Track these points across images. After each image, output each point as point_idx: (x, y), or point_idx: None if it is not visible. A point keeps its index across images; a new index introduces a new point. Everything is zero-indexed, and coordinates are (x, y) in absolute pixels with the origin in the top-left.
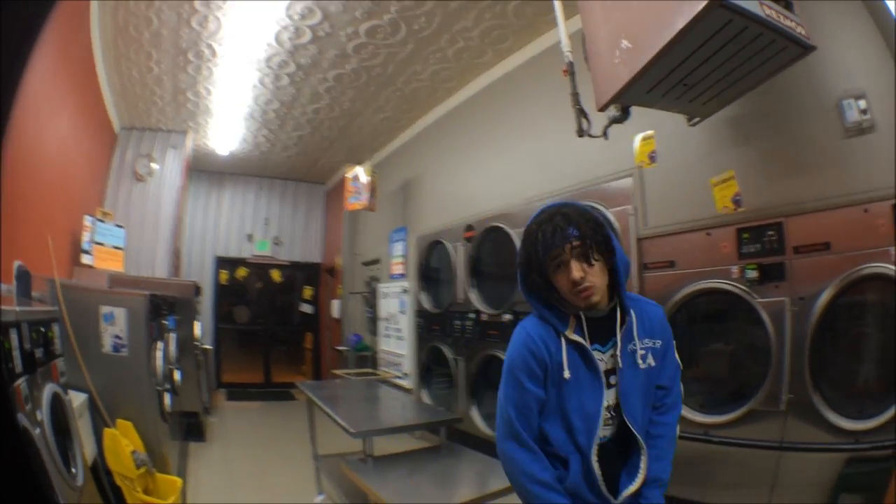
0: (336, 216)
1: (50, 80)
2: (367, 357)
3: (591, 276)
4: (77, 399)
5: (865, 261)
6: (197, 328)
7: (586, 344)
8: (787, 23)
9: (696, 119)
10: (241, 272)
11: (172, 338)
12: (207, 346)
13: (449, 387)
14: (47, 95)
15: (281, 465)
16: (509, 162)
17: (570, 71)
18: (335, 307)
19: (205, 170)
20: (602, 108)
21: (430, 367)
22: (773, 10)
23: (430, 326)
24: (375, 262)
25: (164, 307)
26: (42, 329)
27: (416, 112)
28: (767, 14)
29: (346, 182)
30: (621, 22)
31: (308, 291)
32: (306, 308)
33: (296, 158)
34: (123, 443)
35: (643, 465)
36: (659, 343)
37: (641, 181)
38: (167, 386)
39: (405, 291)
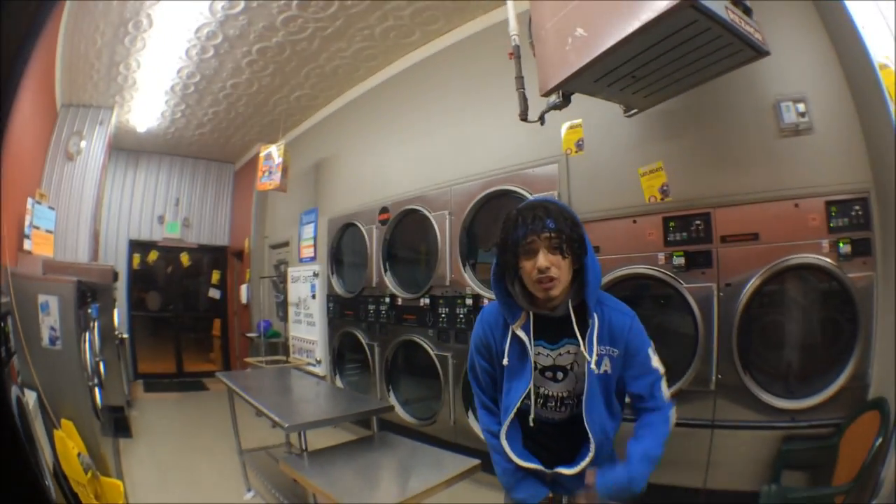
0: (245, 197)
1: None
2: (277, 344)
3: (556, 269)
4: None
5: (795, 251)
6: (115, 316)
7: (527, 342)
8: (747, 28)
9: (634, 111)
10: (153, 256)
11: (96, 327)
12: (125, 335)
13: (363, 373)
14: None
15: (207, 461)
16: (429, 144)
17: (517, 55)
18: (244, 292)
19: (124, 148)
20: (546, 94)
21: (343, 353)
22: (736, 16)
23: (342, 311)
24: (285, 244)
25: (88, 294)
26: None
27: (335, 90)
28: (731, 18)
29: (259, 161)
30: (576, 9)
31: (216, 276)
32: (214, 293)
33: (209, 136)
34: (70, 445)
35: (589, 456)
36: (616, 352)
37: (567, 168)
38: (96, 380)
39: (316, 275)
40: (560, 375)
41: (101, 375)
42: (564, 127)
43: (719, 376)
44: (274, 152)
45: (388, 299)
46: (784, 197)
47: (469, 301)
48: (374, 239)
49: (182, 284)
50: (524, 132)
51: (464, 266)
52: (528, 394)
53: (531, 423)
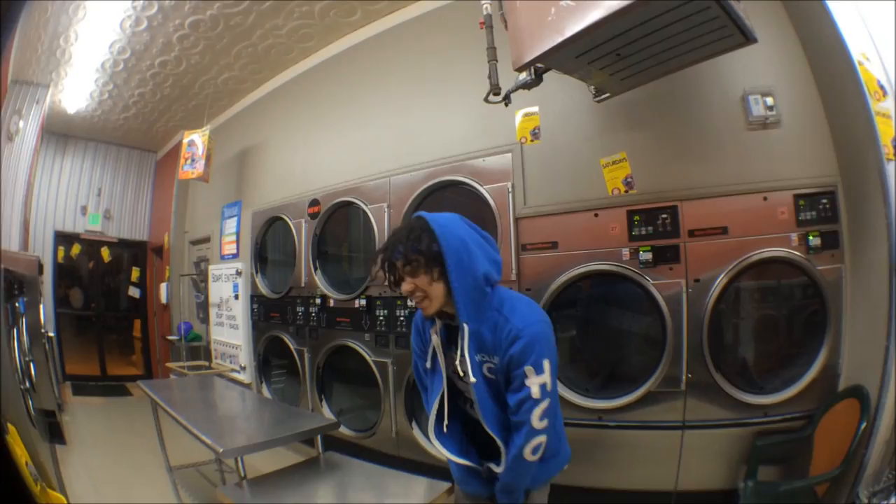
0: (166, 188)
1: None
2: (199, 348)
3: (420, 291)
4: None
5: (764, 245)
6: (41, 312)
7: (437, 347)
8: (741, 12)
9: (606, 95)
10: (75, 250)
11: (24, 324)
12: (52, 334)
13: (291, 381)
14: None
15: (140, 478)
16: (366, 133)
17: (488, 24)
18: (163, 291)
19: (55, 131)
20: (520, 69)
21: (269, 359)
22: None
23: (267, 314)
24: (206, 240)
25: (15, 286)
26: None
27: (265, 73)
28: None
29: (182, 148)
30: None
31: (135, 273)
32: (134, 292)
33: (133, 121)
34: (19, 453)
35: (503, 454)
36: (496, 360)
37: (522, 158)
38: (27, 383)
39: (239, 273)
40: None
41: (32, 377)
42: (519, 115)
43: (689, 375)
44: (197, 139)
45: (318, 300)
46: (752, 190)
47: (412, 303)
48: (303, 234)
49: (103, 282)
50: (474, 119)
51: None
52: (442, 395)
53: (444, 426)
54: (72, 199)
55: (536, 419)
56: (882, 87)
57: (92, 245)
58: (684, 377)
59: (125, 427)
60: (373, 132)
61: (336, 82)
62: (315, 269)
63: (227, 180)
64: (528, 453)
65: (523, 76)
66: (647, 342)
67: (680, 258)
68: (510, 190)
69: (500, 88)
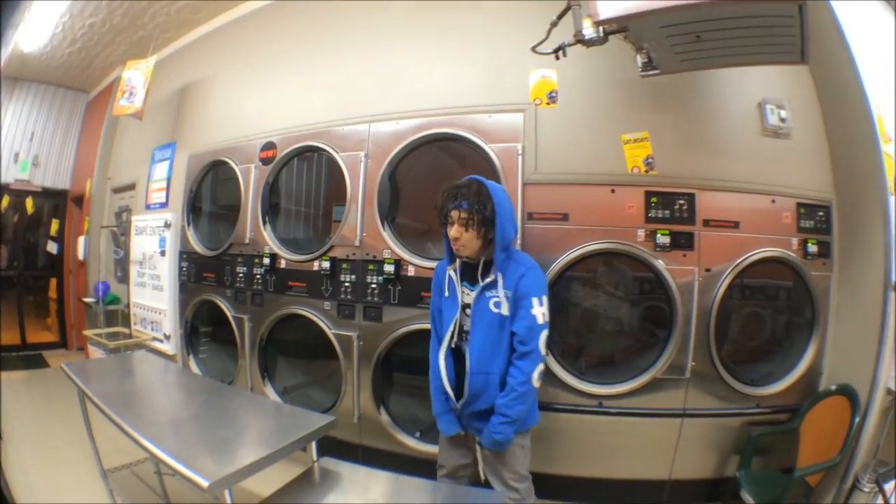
0: (93, 132)
1: None
2: (117, 312)
3: (464, 239)
4: None
5: (768, 245)
6: None
7: (456, 280)
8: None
9: (656, 71)
10: (5, 202)
11: None
12: None
13: (225, 354)
14: None
15: (72, 480)
16: (343, 72)
17: None
18: (80, 246)
19: (9, 75)
20: (602, 23)
21: (197, 327)
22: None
23: (199, 274)
24: (130, 187)
25: None
26: None
27: (226, 3)
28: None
29: (121, 81)
30: None
31: (54, 226)
32: (51, 247)
33: (75, 56)
34: None
35: (466, 384)
36: (510, 294)
37: (536, 121)
38: None
39: (167, 226)
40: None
41: None
42: (535, 75)
43: (693, 364)
44: (140, 70)
45: (267, 260)
46: (763, 191)
47: (389, 267)
48: (251, 182)
49: (25, 237)
50: (479, 72)
51: (382, 223)
52: (456, 322)
53: (452, 347)
54: (7, 146)
55: (542, 345)
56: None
57: (19, 196)
58: (689, 365)
59: (47, 407)
60: (351, 73)
61: (312, 16)
62: (264, 223)
63: (161, 120)
64: (535, 378)
65: (590, 32)
66: (655, 328)
67: (694, 246)
68: (520, 152)
69: (583, 36)
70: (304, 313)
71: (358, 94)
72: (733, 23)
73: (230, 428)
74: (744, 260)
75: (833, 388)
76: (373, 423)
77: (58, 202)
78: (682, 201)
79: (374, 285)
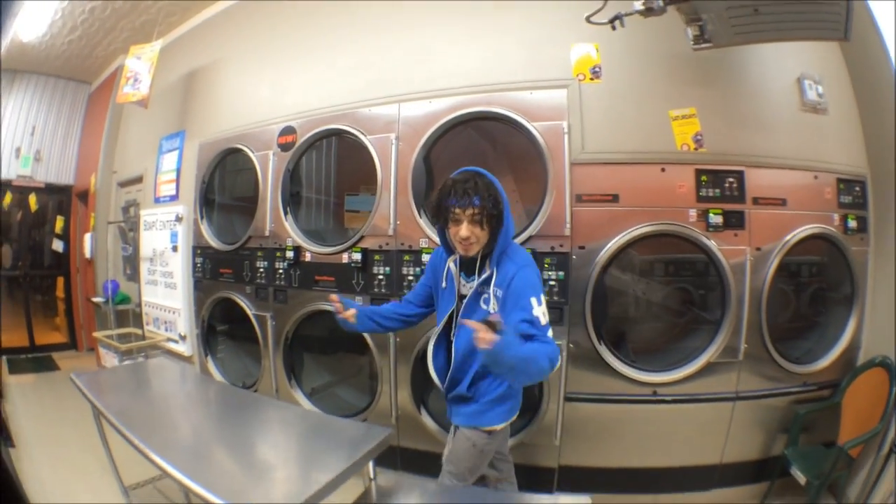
0: (97, 124)
1: None
2: (128, 312)
3: (474, 235)
4: None
5: (813, 221)
6: None
7: (455, 272)
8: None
9: (708, 45)
10: (7, 199)
11: None
12: None
13: (245, 354)
14: None
15: (93, 489)
16: (366, 50)
17: None
18: (87, 243)
19: (8, 68)
20: None
21: (215, 326)
22: None
23: (215, 270)
24: (137, 181)
25: None
26: None
27: None
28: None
29: (125, 67)
30: None
31: (59, 223)
32: (57, 245)
33: (76, 44)
34: None
35: (449, 374)
36: (500, 292)
37: (580, 97)
38: None
39: (179, 219)
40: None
41: None
42: (577, 49)
43: (746, 345)
44: (145, 56)
45: (290, 254)
46: (806, 167)
47: (428, 257)
48: (269, 170)
49: (30, 235)
50: (515, 45)
51: (418, 210)
52: (451, 313)
53: (451, 338)
54: (8, 141)
55: (551, 334)
56: None
57: (22, 193)
58: (742, 347)
59: (59, 416)
60: (376, 49)
61: None
62: (286, 213)
63: (168, 108)
64: (548, 361)
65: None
66: (704, 311)
67: (745, 225)
68: (566, 131)
69: (652, 4)
70: (328, 309)
71: (384, 73)
72: None
73: (274, 449)
74: (792, 237)
75: (877, 359)
76: (412, 423)
77: (62, 198)
78: (731, 179)
79: (410, 277)
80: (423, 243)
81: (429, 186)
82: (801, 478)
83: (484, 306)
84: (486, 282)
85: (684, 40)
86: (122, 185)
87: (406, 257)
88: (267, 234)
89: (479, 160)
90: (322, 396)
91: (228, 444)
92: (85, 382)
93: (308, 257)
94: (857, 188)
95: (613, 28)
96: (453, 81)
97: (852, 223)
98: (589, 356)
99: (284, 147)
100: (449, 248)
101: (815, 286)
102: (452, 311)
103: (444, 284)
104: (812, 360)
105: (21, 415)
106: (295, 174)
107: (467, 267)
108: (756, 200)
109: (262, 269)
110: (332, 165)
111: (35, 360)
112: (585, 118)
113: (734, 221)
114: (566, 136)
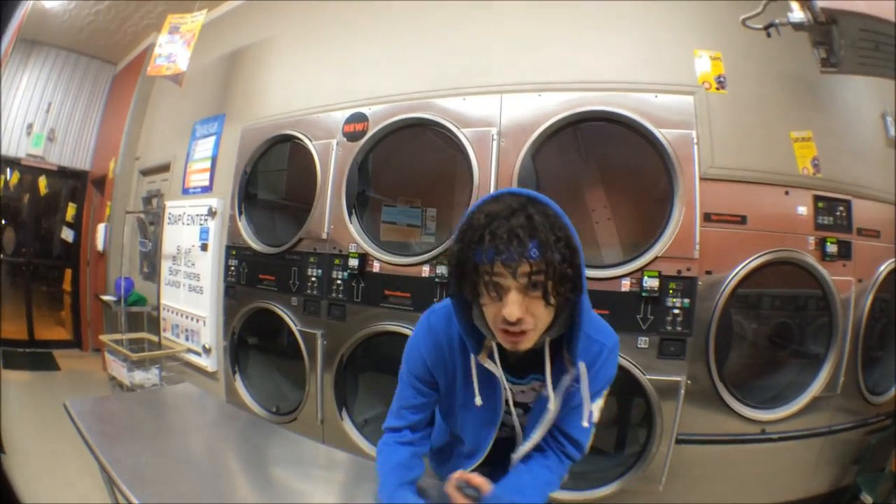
0: (120, 108)
1: None
2: (142, 315)
3: (532, 317)
4: None
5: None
6: None
7: (499, 378)
8: None
9: (834, 70)
10: (14, 178)
11: None
12: None
13: (282, 376)
14: None
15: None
16: (463, 33)
17: None
18: (100, 234)
19: (26, 38)
20: (823, 11)
21: (247, 339)
22: None
23: (253, 275)
24: (163, 168)
25: None
26: None
27: None
28: None
29: (162, 31)
30: None
31: (71, 210)
32: (67, 234)
33: (103, 16)
34: None
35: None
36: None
37: (707, 106)
38: None
39: (211, 214)
40: (520, 412)
41: None
42: (702, 55)
43: (843, 379)
44: (184, 26)
45: (354, 262)
46: (891, 201)
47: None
48: (331, 163)
49: (38, 221)
50: (632, 44)
51: None
52: (491, 445)
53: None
54: (20, 117)
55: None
56: None
57: (32, 173)
58: (840, 381)
59: (56, 423)
60: (473, 33)
61: None
62: (350, 215)
63: (205, 89)
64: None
65: (799, 16)
66: (812, 342)
67: (851, 255)
68: (695, 141)
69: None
70: (399, 331)
71: (482, 59)
72: None
73: None
74: (883, 270)
75: None
76: None
77: (76, 184)
78: (841, 208)
79: None
80: None
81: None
82: (869, 500)
83: (586, 424)
84: (577, 378)
85: (800, 61)
86: (145, 173)
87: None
88: (324, 237)
89: (569, 167)
90: (374, 429)
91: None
92: (84, 416)
93: (376, 268)
94: None
95: (769, 35)
96: (565, 75)
97: None
98: (706, 393)
99: (352, 136)
100: (476, 337)
101: (884, 320)
102: (496, 436)
103: (477, 400)
104: (883, 391)
105: (14, 418)
106: (364, 168)
107: (517, 363)
108: (860, 231)
109: (314, 278)
110: (411, 161)
111: (34, 355)
112: (714, 131)
113: (843, 252)
114: (695, 147)
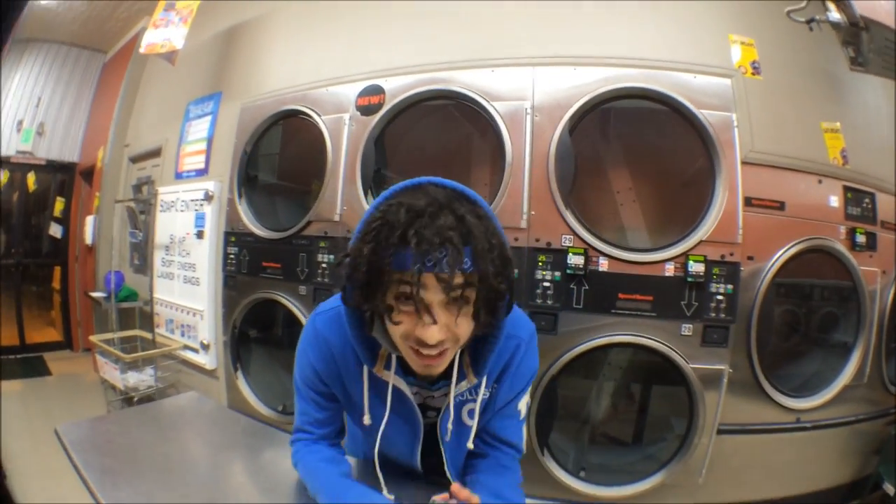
0: (109, 96)
1: None
2: (134, 310)
3: (453, 336)
4: None
5: None
6: None
7: (404, 388)
8: None
9: (861, 69)
10: (5, 177)
11: None
12: None
13: (287, 371)
14: None
15: None
16: (481, 5)
17: None
18: (88, 227)
19: (21, 38)
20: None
21: (249, 333)
22: None
23: (256, 263)
24: (154, 154)
25: None
26: None
27: None
28: None
29: (156, 10)
30: None
31: (59, 205)
32: (55, 230)
33: (94, 7)
34: None
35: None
36: (492, 390)
37: (746, 90)
38: None
39: (208, 198)
40: (432, 415)
41: None
42: (736, 39)
43: (869, 369)
44: (180, 2)
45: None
46: None
47: (577, 259)
48: (343, 139)
49: (27, 218)
50: (670, 21)
51: (565, 202)
52: (419, 442)
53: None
54: (11, 116)
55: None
56: None
57: (21, 170)
58: (867, 370)
59: (48, 436)
60: (497, 2)
61: None
62: (366, 194)
63: (199, 68)
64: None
65: (835, 16)
66: (842, 331)
67: (876, 247)
68: (735, 124)
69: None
70: None
71: (513, 29)
72: None
73: None
74: None
75: None
76: (530, 463)
77: (64, 177)
78: (867, 200)
79: (546, 283)
80: (567, 241)
81: (574, 171)
82: (890, 489)
83: (469, 421)
84: (475, 388)
85: (827, 56)
86: (135, 160)
87: (541, 258)
88: (336, 219)
89: (594, 148)
90: None
91: None
92: (80, 447)
93: None
94: None
95: (811, 29)
96: (603, 49)
97: None
98: (746, 383)
99: (366, 110)
100: (370, 349)
101: None
102: (420, 439)
103: (366, 419)
104: None
105: (4, 432)
106: (380, 144)
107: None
108: (883, 224)
109: (324, 265)
110: (433, 137)
111: (24, 362)
112: (752, 115)
113: (870, 243)
114: (735, 130)
